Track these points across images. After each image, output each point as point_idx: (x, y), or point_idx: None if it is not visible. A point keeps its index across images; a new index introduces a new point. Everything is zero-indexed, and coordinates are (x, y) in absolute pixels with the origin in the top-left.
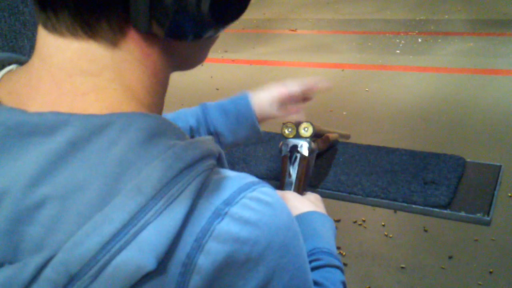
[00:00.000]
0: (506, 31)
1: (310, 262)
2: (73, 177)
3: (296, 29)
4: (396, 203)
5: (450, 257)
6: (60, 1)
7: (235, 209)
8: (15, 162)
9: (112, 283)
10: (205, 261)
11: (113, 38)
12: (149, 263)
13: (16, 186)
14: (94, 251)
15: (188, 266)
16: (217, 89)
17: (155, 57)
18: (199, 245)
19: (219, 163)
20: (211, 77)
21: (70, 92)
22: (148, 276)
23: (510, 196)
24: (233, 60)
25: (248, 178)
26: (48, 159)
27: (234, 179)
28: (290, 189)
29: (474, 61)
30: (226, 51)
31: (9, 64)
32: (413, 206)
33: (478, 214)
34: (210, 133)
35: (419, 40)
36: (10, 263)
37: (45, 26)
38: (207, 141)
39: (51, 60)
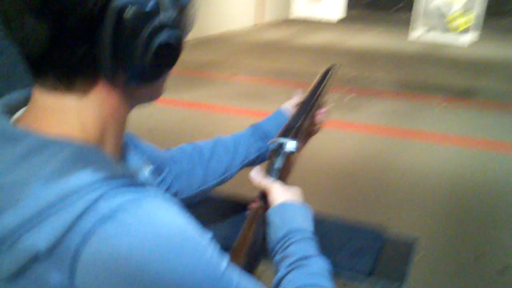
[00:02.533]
0: (429, 94)
1: (284, 243)
2: (20, 175)
3: (234, 74)
4: None
5: None
6: (47, 66)
7: (119, 216)
8: None
9: (17, 255)
10: (88, 254)
11: (84, 88)
12: (39, 246)
13: None
14: (12, 227)
15: (76, 255)
16: (151, 130)
17: (115, 100)
18: (84, 241)
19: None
20: (148, 116)
21: (41, 122)
22: (42, 257)
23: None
24: (170, 101)
25: (140, 195)
26: (13, 158)
27: (133, 193)
28: (274, 177)
29: (398, 121)
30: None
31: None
32: (340, 273)
33: (396, 283)
34: (261, 137)
35: (350, 97)
36: None
37: (35, 81)
38: (133, 172)
39: (36, 103)
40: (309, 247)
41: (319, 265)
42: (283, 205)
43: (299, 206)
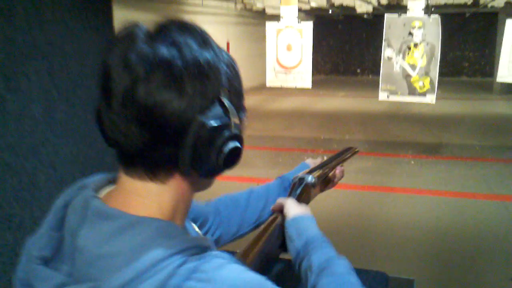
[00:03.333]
0: (399, 152)
1: (308, 250)
2: (117, 247)
3: None
4: None
5: None
6: (138, 161)
7: (197, 275)
8: (91, 230)
9: None
10: None
11: (165, 178)
12: None
13: (90, 245)
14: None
15: None
16: None
17: (186, 187)
18: None
19: (206, 250)
20: None
21: (128, 203)
22: None
23: None
24: None
25: (216, 259)
26: (108, 233)
27: (203, 258)
28: (294, 197)
29: (373, 178)
30: None
31: (114, 181)
32: None
33: None
34: (288, 186)
35: (325, 157)
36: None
37: (124, 171)
38: (201, 240)
39: (123, 187)
40: (328, 250)
41: (342, 264)
42: (296, 218)
43: (309, 217)
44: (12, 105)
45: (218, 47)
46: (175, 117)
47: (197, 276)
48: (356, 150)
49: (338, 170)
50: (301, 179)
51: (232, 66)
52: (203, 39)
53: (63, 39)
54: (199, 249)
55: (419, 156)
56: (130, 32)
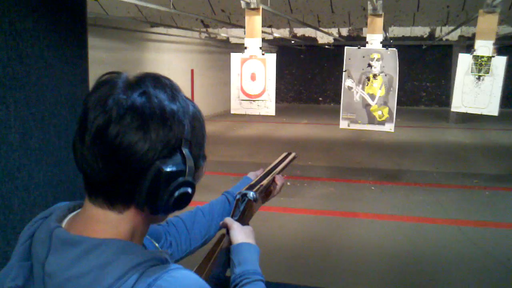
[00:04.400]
0: (360, 178)
1: (242, 280)
2: (83, 268)
3: None
4: None
5: None
6: (100, 191)
7: (158, 282)
8: (57, 257)
9: None
10: None
11: (122, 209)
12: None
13: (58, 270)
14: None
15: None
16: None
17: (141, 219)
18: None
19: (165, 262)
20: None
21: (90, 229)
22: None
23: None
24: None
25: (171, 268)
26: (74, 257)
27: (162, 268)
28: (237, 216)
29: (335, 204)
30: None
31: (79, 207)
32: None
33: None
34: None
35: (288, 183)
36: None
37: (88, 198)
38: (159, 253)
39: (86, 213)
40: None
41: None
42: (240, 245)
43: (252, 248)
44: None
45: (186, 101)
46: (137, 158)
47: (159, 284)
48: (294, 155)
49: (277, 179)
50: (244, 195)
51: (197, 118)
52: (173, 93)
53: (40, 71)
54: (157, 261)
55: (379, 182)
56: (111, 79)
